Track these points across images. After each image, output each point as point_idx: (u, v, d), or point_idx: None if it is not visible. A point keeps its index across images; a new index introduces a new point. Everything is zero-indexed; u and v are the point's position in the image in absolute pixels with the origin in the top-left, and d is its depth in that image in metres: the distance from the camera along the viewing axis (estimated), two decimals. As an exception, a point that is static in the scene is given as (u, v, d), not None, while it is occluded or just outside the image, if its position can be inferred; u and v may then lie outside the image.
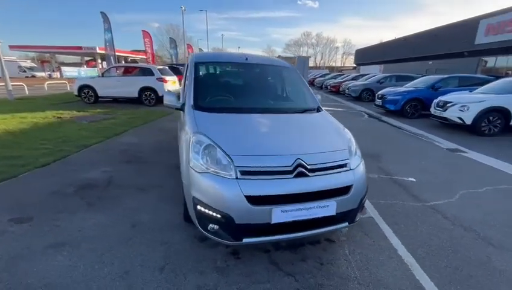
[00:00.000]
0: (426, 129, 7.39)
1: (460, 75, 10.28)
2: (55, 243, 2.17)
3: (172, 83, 10.26)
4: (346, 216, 2.03)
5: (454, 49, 17.56)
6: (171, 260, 2.03)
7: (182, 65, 13.32)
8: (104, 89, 10.00)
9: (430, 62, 22.44)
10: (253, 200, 1.75)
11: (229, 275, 1.91)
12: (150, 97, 9.84)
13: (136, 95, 9.87)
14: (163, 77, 9.78)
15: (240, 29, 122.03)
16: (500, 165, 4.52)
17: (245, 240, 1.82)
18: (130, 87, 9.79)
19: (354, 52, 68.02)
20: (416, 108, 9.19)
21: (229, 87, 3.18)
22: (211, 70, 3.07)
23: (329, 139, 2.28)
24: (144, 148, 4.83)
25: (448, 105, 7.33)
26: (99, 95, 10.12)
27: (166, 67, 10.66)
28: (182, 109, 2.84)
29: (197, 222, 1.94)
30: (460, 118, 6.94)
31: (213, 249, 2.18)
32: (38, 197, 2.93)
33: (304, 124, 2.54)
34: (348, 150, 2.16)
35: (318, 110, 2.89)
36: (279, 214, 1.79)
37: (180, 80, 11.05)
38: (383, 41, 33.97)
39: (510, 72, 16.15)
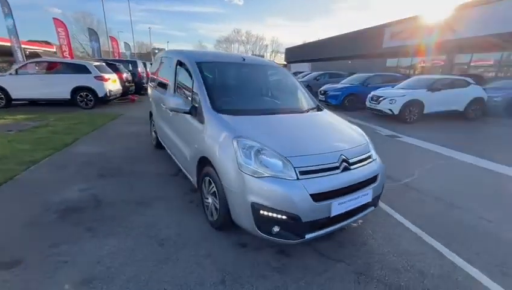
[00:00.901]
0: (365, 120, 8.65)
1: (382, 73, 12.35)
2: (80, 281, 1.80)
3: (112, 82, 9.05)
4: (374, 201, 2.34)
5: (368, 50, 20.71)
6: (226, 271, 1.96)
7: (119, 61, 11.84)
8: (20, 90, 8.08)
9: (350, 62, 25.93)
10: (316, 197, 1.86)
11: (289, 273, 1.98)
12: (87, 98, 8.44)
13: (67, 96, 8.31)
14: (102, 74, 8.52)
15: (163, 22, 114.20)
16: (429, 146, 5.74)
17: (307, 236, 1.92)
18: (59, 87, 8.17)
19: (281, 50, 72.85)
20: (353, 102, 10.62)
21: (238, 88, 3.12)
22: (213, 71, 2.95)
23: (352, 134, 2.55)
24: (112, 158, 4.23)
25: (380, 99, 8.78)
26: (13, 98, 8.13)
27: (104, 64, 9.30)
28: (190, 112, 2.66)
29: (255, 227, 1.92)
30: (390, 110, 8.41)
31: (259, 252, 2.19)
32: (10, 233, 2.31)
33: (324, 122, 2.74)
34: (367, 143, 2.48)
35: (319, 108, 3.14)
36: (337, 207, 1.95)
37: (121, 79, 9.86)
38: (307, 41, 37.40)
39: (412, 70, 20.17)
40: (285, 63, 45.85)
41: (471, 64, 15.75)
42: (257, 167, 1.90)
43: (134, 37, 79.14)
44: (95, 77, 8.38)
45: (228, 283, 1.86)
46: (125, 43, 34.35)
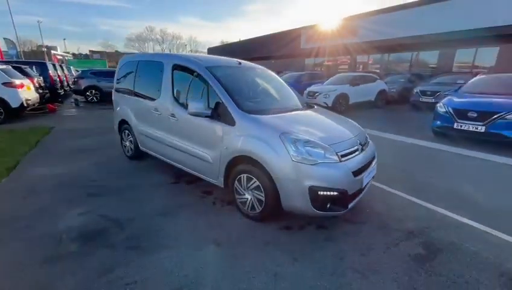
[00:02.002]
0: (307, 113, 9.85)
1: (310, 72, 14.09)
2: (170, 293, 1.77)
3: (27, 89, 7.39)
4: (375, 174, 3.02)
5: (289, 51, 22.95)
6: (291, 250, 2.25)
7: (25, 63, 9.63)
8: None
9: (273, 61, 28.02)
10: (354, 173, 2.36)
11: (337, 239, 2.41)
12: (-5, 111, 6.66)
13: (-38, 109, 6.36)
14: (12, 80, 6.86)
15: (48, 14, 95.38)
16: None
17: (349, 206, 2.40)
18: None
19: (200, 49, 71.73)
20: (291, 98, 11.80)
21: (248, 90, 3.29)
22: (222, 75, 3.04)
23: (353, 124, 3.16)
24: (88, 176, 3.71)
25: (316, 94, 10.17)
26: None
27: (10, 67, 7.44)
28: (212, 116, 2.75)
29: (311, 206, 2.27)
30: (325, 102, 9.84)
31: (304, 231, 2.54)
32: (35, 276, 1.94)
33: (328, 116, 3.25)
34: (363, 129, 3.14)
35: (310, 105, 3.66)
36: (365, 179, 2.51)
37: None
38: (227, 41, 38.27)
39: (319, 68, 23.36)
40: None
41: (369, 62, 19.56)
42: (308, 156, 2.25)
43: (4, 30, 63.14)
44: (4, 84, 6.69)
45: (300, 259, 2.15)
46: (5, 39, 27.34)
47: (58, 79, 11.34)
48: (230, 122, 2.65)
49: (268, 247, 2.30)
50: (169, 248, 2.25)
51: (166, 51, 69.73)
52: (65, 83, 12.87)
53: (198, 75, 3.01)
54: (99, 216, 2.71)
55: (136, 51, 65.44)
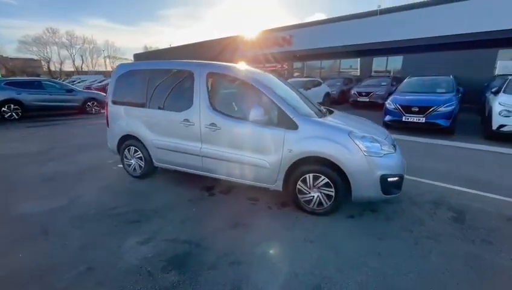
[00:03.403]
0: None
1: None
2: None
3: None
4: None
5: (227, 57, 23.34)
6: (370, 233, 2.58)
7: None
8: None
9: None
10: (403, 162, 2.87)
11: (393, 219, 2.87)
12: None
13: None
14: None
15: None
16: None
17: (402, 189, 2.89)
18: None
19: (119, 55, 64.90)
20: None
21: (288, 96, 3.38)
22: (265, 83, 3.13)
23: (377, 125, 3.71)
24: (105, 202, 3.17)
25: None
26: None
27: None
28: (277, 123, 2.86)
29: (381, 193, 2.65)
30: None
31: (365, 217, 2.91)
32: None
33: (357, 118, 3.67)
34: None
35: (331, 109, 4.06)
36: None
37: None
38: (151, 47, 36.20)
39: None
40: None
41: (304, 69, 21.67)
42: (376, 150, 2.64)
43: None
44: None
45: (384, 237, 2.51)
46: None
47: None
48: (292, 126, 2.80)
49: (354, 234, 2.57)
50: (273, 254, 2.27)
51: (77, 57, 60.64)
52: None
53: (245, 84, 3.04)
54: (167, 241, 2.44)
55: (35, 57, 54.61)
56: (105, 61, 63.94)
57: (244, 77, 3.09)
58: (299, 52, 18.40)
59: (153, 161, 3.72)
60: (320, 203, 2.84)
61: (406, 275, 2.02)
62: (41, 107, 9.90)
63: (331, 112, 3.51)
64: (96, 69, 62.06)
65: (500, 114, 5.83)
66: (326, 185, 2.75)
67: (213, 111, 3.15)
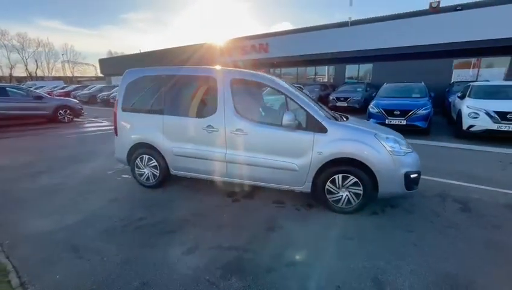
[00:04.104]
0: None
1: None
2: (377, 282, 1.97)
3: None
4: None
5: (205, 62, 23.11)
6: (401, 227, 2.80)
7: None
8: None
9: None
10: (418, 159, 3.17)
11: (415, 212, 3.14)
12: None
13: None
14: None
15: None
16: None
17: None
18: None
19: (80, 60, 60.68)
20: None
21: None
22: (292, 88, 3.26)
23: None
24: (128, 215, 2.99)
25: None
26: None
27: None
28: (306, 127, 2.98)
29: (404, 188, 2.89)
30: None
31: (389, 213, 3.14)
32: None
33: (371, 122, 3.94)
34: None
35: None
36: (417, 163, 3.35)
37: None
38: (116, 52, 34.64)
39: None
40: (101, 75, 39.52)
41: (281, 76, 22.27)
42: (399, 149, 2.88)
43: None
44: None
45: (413, 229, 2.73)
46: None
47: None
48: (321, 130, 2.94)
49: (385, 229, 2.76)
50: (322, 253, 2.36)
51: (30, 60, 55.50)
52: None
53: (271, 90, 3.13)
54: (212, 249, 2.40)
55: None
56: (63, 66, 59.28)
57: (269, 83, 3.18)
58: (275, 59, 18.98)
59: (170, 169, 3.60)
60: (348, 202, 3.01)
61: (446, 261, 2.24)
62: (6, 117, 8.91)
63: (346, 117, 3.72)
64: (54, 74, 57.30)
65: (469, 116, 6.61)
66: (355, 184, 2.93)
67: (239, 117, 3.18)
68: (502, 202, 3.34)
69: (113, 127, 3.86)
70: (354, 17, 19.28)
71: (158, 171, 3.66)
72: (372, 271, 2.12)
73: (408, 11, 17.04)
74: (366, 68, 16.85)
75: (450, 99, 9.70)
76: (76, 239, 2.54)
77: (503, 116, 6.12)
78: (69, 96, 20.06)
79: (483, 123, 6.35)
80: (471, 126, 6.58)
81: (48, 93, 19.02)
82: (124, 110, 3.70)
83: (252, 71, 3.46)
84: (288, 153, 3.07)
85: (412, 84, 9.26)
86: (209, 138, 3.29)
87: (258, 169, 3.19)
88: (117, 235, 2.63)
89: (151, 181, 3.73)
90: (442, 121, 9.70)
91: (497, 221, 2.89)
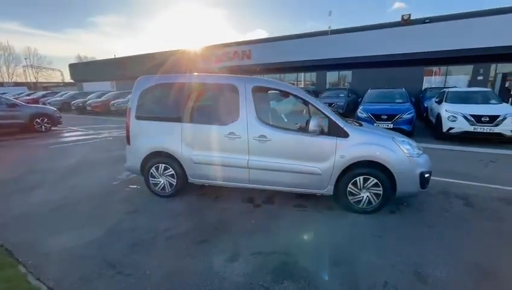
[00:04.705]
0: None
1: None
2: (420, 275, 2.12)
3: None
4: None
5: (183, 68, 22.79)
6: (422, 222, 3.01)
7: None
8: None
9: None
10: (427, 160, 3.44)
11: (426, 210, 3.38)
12: None
13: None
14: None
15: None
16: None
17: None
18: None
19: (46, 65, 56.54)
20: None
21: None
22: (311, 96, 3.40)
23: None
24: (152, 226, 2.89)
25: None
26: None
27: None
28: (328, 133, 3.12)
29: (419, 187, 3.12)
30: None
31: (404, 212, 3.35)
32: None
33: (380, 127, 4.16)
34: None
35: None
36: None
37: None
38: (85, 56, 33.12)
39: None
40: (69, 81, 37.26)
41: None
42: (414, 151, 3.11)
43: None
44: None
45: (432, 226, 2.94)
46: None
47: None
48: (343, 134, 3.10)
49: (407, 226, 2.95)
50: (360, 252, 2.47)
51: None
52: None
53: (295, 97, 3.24)
54: (254, 255, 2.42)
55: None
56: (25, 72, 54.80)
57: (291, 90, 3.30)
58: (258, 66, 19.28)
59: (188, 177, 3.54)
60: (369, 202, 3.17)
61: (473, 251, 2.46)
62: (-25, 126, 8.12)
63: (360, 123, 3.93)
64: (15, 80, 52.92)
65: (448, 119, 7.24)
66: (375, 185, 3.10)
67: (262, 123, 3.24)
68: (495, 196, 3.71)
69: (125, 136, 3.71)
70: (333, 27, 20.24)
71: (175, 180, 3.58)
72: (412, 267, 2.26)
73: (383, 22, 18.35)
74: (346, 75, 17.73)
75: (425, 104, 10.52)
76: (107, 254, 2.42)
77: (478, 119, 6.80)
78: (38, 104, 18.66)
79: (461, 125, 6.99)
80: (450, 128, 7.19)
81: (27, 102, 17.59)
82: (138, 118, 3.58)
83: (273, 79, 3.56)
84: (312, 157, 3.17)
85: (394, 90, 9.92)
86: (231, 144, 3.31)
87: (282, 174, 3.26)
88: (149, 247, 2.54)
89: (167, 191, 3.64)
90: (420, 124, 10.46)
91: (498, 214, 3.21)
